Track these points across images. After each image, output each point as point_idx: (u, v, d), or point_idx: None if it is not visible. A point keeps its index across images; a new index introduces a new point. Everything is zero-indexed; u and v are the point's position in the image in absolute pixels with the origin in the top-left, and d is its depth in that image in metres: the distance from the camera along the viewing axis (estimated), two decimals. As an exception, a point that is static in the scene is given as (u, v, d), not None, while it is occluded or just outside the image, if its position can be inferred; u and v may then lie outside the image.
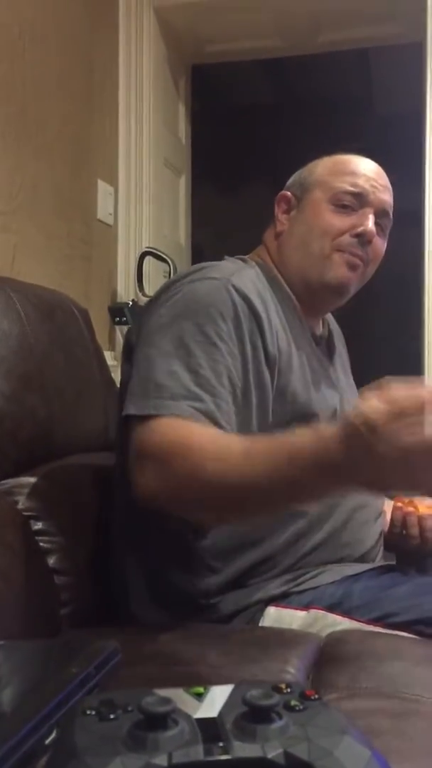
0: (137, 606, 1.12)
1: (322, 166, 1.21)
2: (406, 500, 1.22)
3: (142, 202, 2.50)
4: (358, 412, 0.73)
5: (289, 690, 0.42)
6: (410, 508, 1.20)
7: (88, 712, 0.38)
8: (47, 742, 0.43)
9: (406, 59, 2.92)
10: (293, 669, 0.90)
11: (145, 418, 0.95)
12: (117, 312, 2.38)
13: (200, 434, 0.92)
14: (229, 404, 0.98)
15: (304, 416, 1.09)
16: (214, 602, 1.08)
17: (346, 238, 1.15)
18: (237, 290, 1.05)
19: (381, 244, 1.20)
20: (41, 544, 1.15)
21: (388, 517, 1.23)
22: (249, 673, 0.88)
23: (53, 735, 0.42)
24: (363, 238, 1.15)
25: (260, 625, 1.08)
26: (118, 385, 1.19)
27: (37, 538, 1.15)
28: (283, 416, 1.06)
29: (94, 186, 2.31)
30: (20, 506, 1.15)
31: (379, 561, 1.19)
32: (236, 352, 1.02)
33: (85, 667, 0.47)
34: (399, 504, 1.22)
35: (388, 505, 1.26)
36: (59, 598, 1.13)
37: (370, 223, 1.15)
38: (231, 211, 3.48)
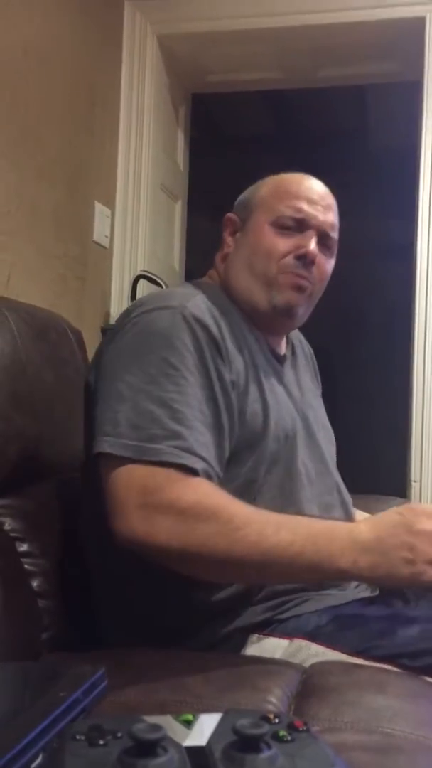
0: (116, 635, 1.12)
1: (265, 188, 1.22)
2: None
3: (138, 225, 2.52)
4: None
5: (277, 720, 0.42)
6: None
7: (78, 737, 0.38)
8: (33, 766, 0.42)
9: (402, 96, 2.98)
10: (275, 699, 0.90)
11: (123, 460, 0.95)
12: (109, 333, 2.39)
13: (217, 495, 0.96)
14: (206, 436, 0.99)
15: (263, 437, 1.10)
16: (195, 632, 1.08)
17: (290, 260, 1.16)
18: (195, 318, 1.05)
19: (326, 264, 1.20)
20: (26, 566, 1.14)
21: None
22: (231, 702, 0.87)
23: (39, 760, 0.42)
24: (305, 260, 1.15)
25: (243, 653, 1.07)
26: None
27: (22, 560, 1.14)
28: (243, 438, 1.07)
29: (91, 208, 2.33)
30: (6, 527, 1.15)
31: (361, 588, 1.19)
32: (203, 382, 1.03)
33: (73, 691, 0.47)
34: None
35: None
36: (41, 622, 1.12)
37: (312, 245, 1.15)
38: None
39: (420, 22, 2.43)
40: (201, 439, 0.98)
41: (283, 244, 1.16)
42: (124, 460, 0.95)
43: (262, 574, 0.97)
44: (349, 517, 1.24)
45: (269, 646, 1.05)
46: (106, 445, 0.97)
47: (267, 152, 4.06)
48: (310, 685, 0.94)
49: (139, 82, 2.53)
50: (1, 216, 1.82)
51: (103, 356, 1.07)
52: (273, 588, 1.09)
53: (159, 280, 2.44)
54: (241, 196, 1.26)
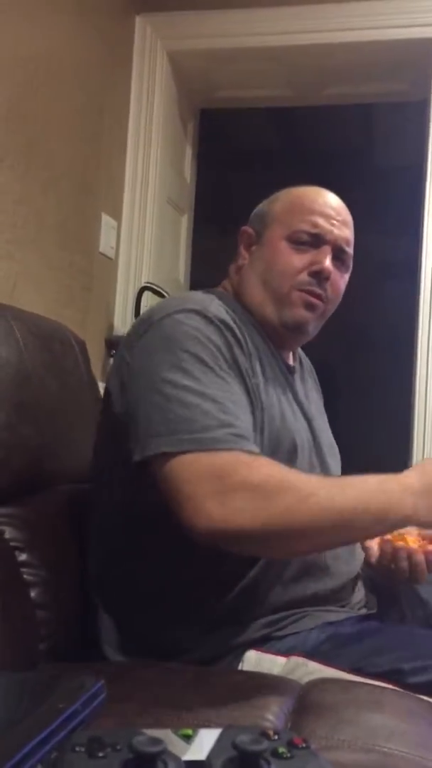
0: (114, 648, 1.12)
1: (280, 202, 1.22)
2: (395, 533, 1.21)
3: (144, 238, 2.54)
4: None
5: (277, 737, 0.42)
6: (400, 542, 1.18)
7: (77, 748, 0.38)
8: (31, 777, 0.42)
9: (408, 115, 3.00)
10: (272, 716, 0.89)
11: (182, 455, 0.94)
12: (114, 344, 2.40)
13: (281, 469, 0.98)
14: (250, 429, 1.02)
15: (278, 444, 1.10)
16: (193, 647, 1.07)
17: (304, 277, 1.16)
18: (219, 319, 1.07)
19: (340, 280, 1.21)
20: (25, 576, 1.14)
21: (374, 548, 1.23)
22: (228, 717, 0.87)
23: (38, 770, 0.42)
24: (320, 276, 1.15)
25: (240, 669, 1.07)
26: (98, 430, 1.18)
27: (21, 569, 1.14)
28: (260, 443, 1.07)
29: (98, 219, 2.34)
30: (6, 536, 1.15)
31: (359, 603, 1.19)
32: (237, 379, 1.05)
33: (72, 702, 0.47)
34: (387, 537, 1.21)
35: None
36: (39, 632, 1.12)
37: (328, 261, 1.16)
38: (230, 252, 3.53)
39: (427, 43, 2.45)
40: (249, 427, 1.01)
41: (299, 260, 1.16)
42: (183, 455, 0.94)
43: (339, 535, 0.98)
44: None
45: (266, 663, 1.05)
46: (162, 444, 0.96)
47: (273, 168, 4.08)
48: (307, 702, 0.94)
49: (149, 96, 2.55)
50: (8, 226, 1.83)
51: (127, 362, 1.06)
52: (270, 604, 1.09)
53: (164, 292, 2.45)
54: (257, 209, 1.26)
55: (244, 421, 1.00)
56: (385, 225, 3.95)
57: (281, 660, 1.05)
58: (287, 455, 1.11)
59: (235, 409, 1.00)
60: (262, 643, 1.07)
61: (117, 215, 2.48)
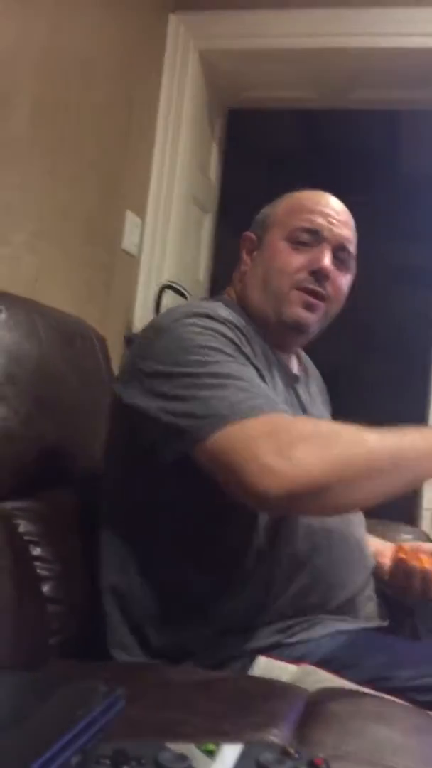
0: (123, 649, 1.12)
1: (281, 206, 1.23)
2: (409, 551, 1.21)
3: (167, 236, 2.54)
4: None
5: (298, 756, 0.42)
6: (414, 562, 1.18)
7: (102, 761, 0.38)
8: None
9: (436, 123, 2.98)
10: (280, 723, 0.90)
11: (228, 429, 0.95)
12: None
13: (319, 420, 1.09)
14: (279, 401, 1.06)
15: None
16: (202, 652, 1.08)
17: (303, 275, 1.16)
18: (226, 320, 1.08)
19: (341, 279, 1.20)
20: (38, 570, 1.14)
21: (387, 564, 1.22)
22: (236, 724, 0.87)
23: (57, 778, 0.42)
24: (320, 274, 1.15)
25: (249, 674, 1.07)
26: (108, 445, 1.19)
27: (34, 563, 1.15)
28: None
29: (122, 216, 2.34)
30: (21, 530, 1.16)
31: (372, 614, 1.18)
32: (251, 369, 1.08)
33: (91, 710, 0.47)
34: (402, 555, 1.20)
35: (383, 553, 1.25)
36: (50, 627, 1.13)
37: (326, 259, 1.16)
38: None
39: (458, 52, 2.43)
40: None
41: (297, 259, 1.16)
42: (231, 426, 0.94)
43: (398, 473, 0.98)
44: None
45: (276, 670, 1.05)
46: (209, 426, 0.96)
47: (298, 170, 4.08)
48: (314, 711, 0.94)
49: (178, 95, 2.55)
50: (33, 219, 1.84)
51: (141, 370, 1.06)
52: (280, 610, 1.09)
53: (184, 291, 2.45)
54: (259, 215, 1.27)
55: (269, 395, 1.03)
56: (407, 231, 3.94)
57: (292, 667, 1.05)
58: None
59: (262, 385, 1.03)
60: (272, 650, 1.07)
61: (141, 213, 2.48)
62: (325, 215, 1.18)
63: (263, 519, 1.08)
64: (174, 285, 2.47)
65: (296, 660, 1.05)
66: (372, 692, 0.98)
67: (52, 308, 1.39)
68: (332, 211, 1.19)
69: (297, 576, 1.10)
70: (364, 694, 0.98)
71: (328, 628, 1.09)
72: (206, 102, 2.71)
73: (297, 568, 1.10)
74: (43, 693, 0.50)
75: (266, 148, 4.07)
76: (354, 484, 0.95)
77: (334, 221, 1.18)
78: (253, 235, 1.24)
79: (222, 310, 1.11)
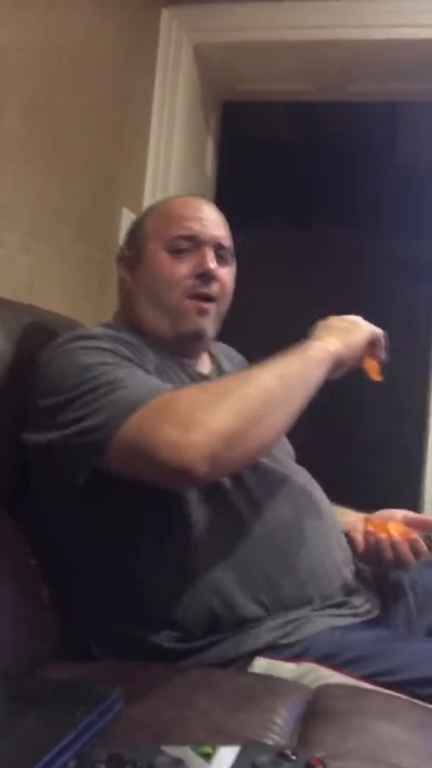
0: (109, 652, 1.11)
1: (150, 219, 1.27)
2: (378, 523, 1.21)
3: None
4: None
5: (294, 757, 0.42)
6: (382, 534, 1.19)
7: (98, 765, 0.38)
8: (48, 788, 0.42)
9: (433, 115, 2.97)
10: (281, 720, 0.89)
11: (126, 424, 0.98)
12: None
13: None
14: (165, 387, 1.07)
15: None
16: (199, 655, 1.07)
17: (191, 281, 1.20)
18: (109, 336, 1.12)
19: (227, 275, 1.25)
20: (38, 578, 1.14)
21: (360, 540, 1.23)
22: (237, 723, 0.86)
23: (54, 782, 0.42)
24: (206, 276, 1.19)
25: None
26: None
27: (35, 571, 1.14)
28: None
29: (118, 213, 2.33)
30: (22, 536, 1.15)
31: (364, 608, 1.18)
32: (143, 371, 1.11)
33: (89, 712, 0.47)
34: (370, 528, 1.21)
35: (355, 527, 1.25)
36: (46, 631, 1.12)
37: (210, 261, 1.20)
38: (250, 246, 3.52)
39: (454, 42, 2.42)
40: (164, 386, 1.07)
41: (181, 268, 1.20)
42: (127, 426, 0.97)
43: (291, 394, 1.03)
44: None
45: (277, 669, 1.04)
46: (108, 432, 0.98)
47: (293, 162, 4.07)
48: (316, 708, 0.93)
49: (172, 89, 2.54)
50: (27, 219, 1.83)
51: (33, 401, 1.09)
52: (273, 608, 1.08)
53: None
54: (128, 232, 1.31)
55: (157, 382, 1.08)
56: (407, 225, 3.93)
57: (291, 666, 1.05)
58: None
59: (146, 377, 1.08)
60: (270, 650, 1.07)
61: (138, 210, 2.47)
62: (198, 219, 1.22)
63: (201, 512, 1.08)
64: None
65: (296, 658, 1.05)
66: (373, 688, 0.98)
67: (45, 310, 1.39)
68: (204, 214, 1.24)
69: (282, 572, 1.10)
70: (366, 691, 0.98)
71: (319, 625, 1.09)
72: (200, 96, 2.70)
73: (279, 561, 1.10)
74: (41, 695, 0.50)
75: (262, 140, 4.06)
76: (258, 421, 0.99)
77: (207, 224, 1.22)
78: (128, 253, 1.28)
79: (104, 330, 1.15)
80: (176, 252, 1.20)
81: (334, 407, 2.29)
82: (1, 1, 1.67)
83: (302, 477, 1.23)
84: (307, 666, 1.03)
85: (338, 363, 1.11)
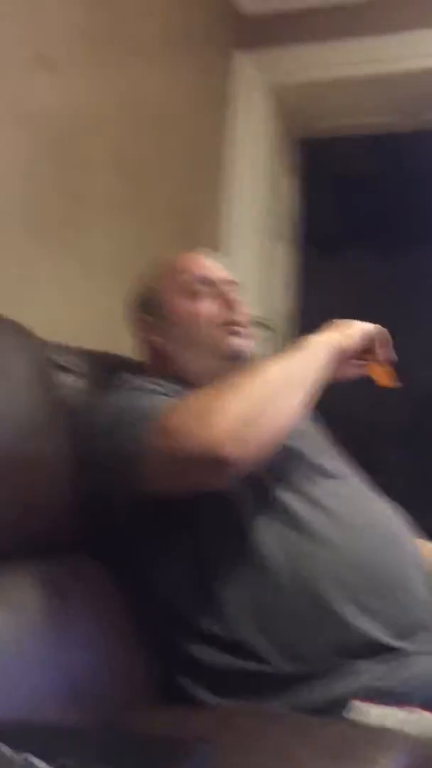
0: (198, 689, 1.09)
1: (159, 279, 1.34)
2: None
3: (244, 269, 2.53)
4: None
5: None
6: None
7: None
8: None
9: None
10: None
11: (154, 431, 1.05)
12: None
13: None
14: None
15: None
16: (285, 695, 1.04)
17: (217, 313, 1.27)
18: (145, 378, 1.21)
19: (247, 306, 1.33)
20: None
21: None
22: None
23: None
24: (230, 305, 1.27)
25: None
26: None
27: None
28: None
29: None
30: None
31: None
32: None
33: None
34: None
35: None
36: (136, 675, 1.11)
37: (229, 293, 1.29)
38: (331, 281, 3.49)
39: None
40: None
41: (204, 305, 1.27)
42: (154, 431, 1.04)
43: (295, 385, 1.10)
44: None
45: (376, 716, 0.99)
46: (138, 442, 1.05)
47: (371, 193, 4.03)
48: (421, 760, 0.88)
49: (249, 131, 2.56)
50: (115, 258, 1.88)
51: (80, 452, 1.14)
52: (370, 648, 1.04)
53: (271, 325, 2.44)
54: (137, 303, 1.36)
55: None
56: None
57: (392, 711, 0.99)
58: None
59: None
60: (368, 694, 1.02)
61: (215, 250, 2.49)
62: (203, 265, 1.32)
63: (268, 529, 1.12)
64: (257, 319, 2.46)
65: (398, 703, 1.00)
66: None
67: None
68: (207, 261, 1.34)
69: (361, 598, 1.07)
70: None
71: (423, 665, 1.03)
72: (277, 135, 2.72)
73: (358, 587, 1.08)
74: (130, 750, 0.49)
75: (340, 173, 4.05)
76: (269, 403, 1.05)
77: (213, 268, 1.32)
78: (147, 317, 1.32)
79: (137, 379, 1.23)
80: (194, 295, 1.27)
81: None
82: (85, 60, 1.74)
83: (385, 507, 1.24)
84: (415, 712, 0.98)
85: (338, 350, 1.16)
